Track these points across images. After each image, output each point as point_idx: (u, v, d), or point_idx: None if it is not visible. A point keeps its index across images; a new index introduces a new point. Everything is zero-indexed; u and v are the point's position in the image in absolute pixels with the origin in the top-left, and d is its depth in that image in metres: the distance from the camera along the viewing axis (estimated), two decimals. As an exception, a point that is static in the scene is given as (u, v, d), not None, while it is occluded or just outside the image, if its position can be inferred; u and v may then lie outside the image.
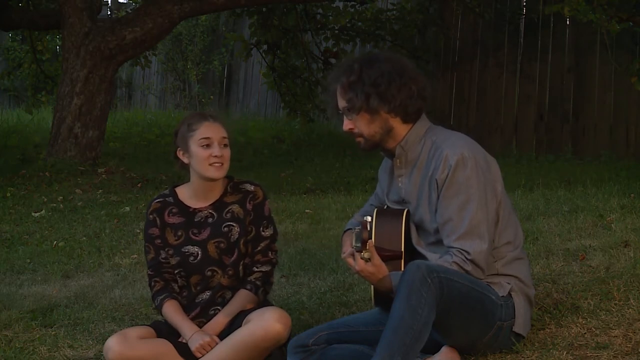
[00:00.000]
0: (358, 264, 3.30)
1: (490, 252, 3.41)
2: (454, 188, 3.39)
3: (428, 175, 3.46)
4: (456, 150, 3.42)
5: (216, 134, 3.78)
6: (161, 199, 3.91)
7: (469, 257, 3.35)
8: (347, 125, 3.53)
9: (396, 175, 3.59)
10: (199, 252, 3.81)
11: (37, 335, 4.32)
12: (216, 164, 3.76)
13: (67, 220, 6.87)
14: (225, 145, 3.80)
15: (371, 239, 3.30)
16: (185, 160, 3.83)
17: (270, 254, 3.85)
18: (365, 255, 3.17)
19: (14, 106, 16.10)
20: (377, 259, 3.30)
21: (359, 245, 3.15)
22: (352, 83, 3.48)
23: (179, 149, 3.84)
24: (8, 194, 7.76)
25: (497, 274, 3.47)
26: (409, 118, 3.51)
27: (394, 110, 3.47)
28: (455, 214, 3.38)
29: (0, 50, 15.66)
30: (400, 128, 3.52)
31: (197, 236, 3.83)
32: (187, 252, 3.82)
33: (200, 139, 3.77)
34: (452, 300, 3.25)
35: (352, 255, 3.36)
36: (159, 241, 3.86)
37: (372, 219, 3.36)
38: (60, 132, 8.94)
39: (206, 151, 3.76)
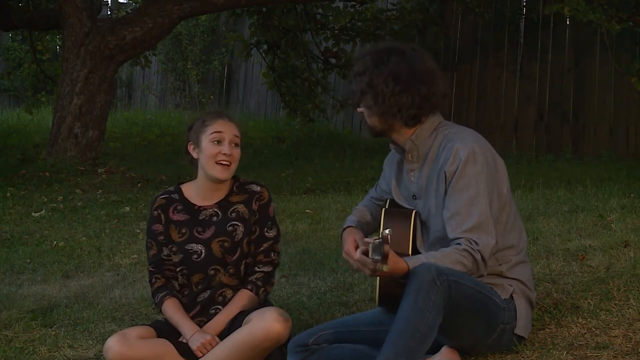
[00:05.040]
0: (373, 272, 3.24)
1: (494, 252, 3.40)
2: (463, 181, 3.37)
3: (437, 167, 3.45)
4: (467, 144, 3.41)
5: (229, 131, 3.80)
6: (166, 195, 3.92)
7: (477, 248, 3.33)
8: (359, 110, 3.58)
9: (408, 169, 3.57)
10: (203, 251, 3.81)
11: (37, 335, 4.32)
12: (223, 163, 3.76)
13: (67, 220, 6.87)
14: (236, 145, 3.81)
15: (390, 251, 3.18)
16: (195, 155, 3.84)
17: (272, 255, 3.86)
18: (385, 268, 3.11)
19: (14, 106, 16.10)
20: (395, 261, 3.23)
21: (379, 258, 3.08)
22: (357, 75, 3.53)
23: (190, 143, 3.85)
24: (8, 194, 7.76)
25: (501, 276, 3.46)
26: (408, 123, 3.51)
27: (385, 113, 3.47)
28: (464, 208, 3.35)
29: (0, 50, 15.66)
30: (402, 128, 3.51)
31: (201, 234, 3.83)
32: (191, 250, 3.82)
33: (212, 133, 3.77)
34: (458, 303, 3.24)
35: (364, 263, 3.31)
36: (162, 237, 3.86)
37: (388, 231, 3.23)
38: (60, 132, 8.95)
39: (216, 148, 3.77)
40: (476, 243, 3.32)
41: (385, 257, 3.05)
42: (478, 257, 3.32)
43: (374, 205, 3.77)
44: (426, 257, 3.31)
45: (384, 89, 3.44)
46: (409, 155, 3.54)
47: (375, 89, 3.46)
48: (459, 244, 3.34)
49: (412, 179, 3.55)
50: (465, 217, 3.35)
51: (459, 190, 3.37)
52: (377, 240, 3.09)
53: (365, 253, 3.24)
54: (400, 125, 3.51)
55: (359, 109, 3.58)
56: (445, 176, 3.41)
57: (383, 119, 3.50)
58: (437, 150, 3.48)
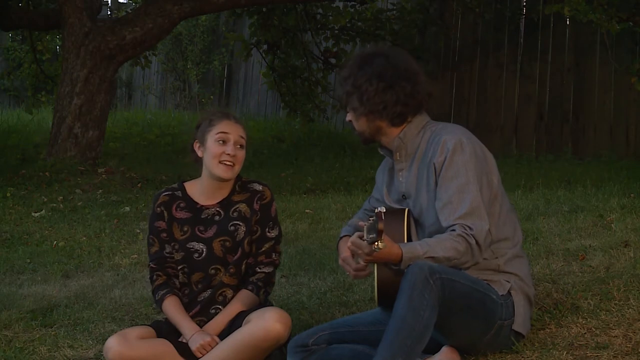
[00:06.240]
0: (369, 254, 3.25)
1: (489, 240, 3.40)
2: (453, 170, 3.40)
3: (427, 161, 3.48)
4: (454, 136, 3.45)
5: (235, 132, 3.80)
6: (169, 192, 3.91)
7: (471, 233, 3.34)
8: (347, 117, 3.63)
9: (397, 170, 3.59)
10: (204, 250, 3.81)
11: (37, 335, 4.32)
12: (227, 163, 3.76)
13: (67, 220, 6.87)
14: (241, 147, 3.82)
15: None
16: (199, 154, 3.84)
17: (273, 256, 3.86)
18: (381, 245, 3.13)
19: (14, 106, 16.09)
20: (390, 245, 3.25)
21: (374, 236, 3.11)
22: (342, 79, 3.58)
23: (196, 141, 3.86)
24: (8, 194, 7.76)
25: (498, 271, 3.47)
26: (394, 122, 3.53)
27: (372, 113, 3.50)
28: (455, 196, 3.38)
29: (0, 50, 15.65)
30: (389, 128, 3.54)
31: (203, 233, 3.83)
32: (192, 248, 3.82)
33: (218, 132, 3.78)
34: (453, 301, 3.25)
35: (355, 254, 3.33)
36: (165, 235, 3.86)
37: (382, 208, 3.27)
38: (60, 132, 8.94)
39: (220, 148, 3.77)
40: (470, 228, 3.34)
41: (380, 233, 3.08)
42: (472, 241, 3.34)
43: (368, 217, 3.77)
44: (420, 244, 3.33)
45: (368, 87, 3.50)
46: (397, 154, 3.57)
47: (359, 89, 3.51)
48: (453, 230, 3.35)
49: (401, 179, 3.58)
50: (457, 205, 3.37)
51: (449, 179, 3.40)
52: (372, 219, 3.12)
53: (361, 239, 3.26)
54: (387, 125, 3.54)
55: (347, 118, 3.61)
56: (435, 168, 3.44)
57: (370, 119, 3.53)
58: (425, 146, 3.51)
